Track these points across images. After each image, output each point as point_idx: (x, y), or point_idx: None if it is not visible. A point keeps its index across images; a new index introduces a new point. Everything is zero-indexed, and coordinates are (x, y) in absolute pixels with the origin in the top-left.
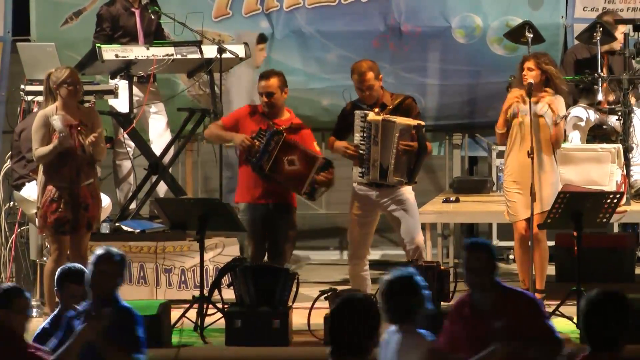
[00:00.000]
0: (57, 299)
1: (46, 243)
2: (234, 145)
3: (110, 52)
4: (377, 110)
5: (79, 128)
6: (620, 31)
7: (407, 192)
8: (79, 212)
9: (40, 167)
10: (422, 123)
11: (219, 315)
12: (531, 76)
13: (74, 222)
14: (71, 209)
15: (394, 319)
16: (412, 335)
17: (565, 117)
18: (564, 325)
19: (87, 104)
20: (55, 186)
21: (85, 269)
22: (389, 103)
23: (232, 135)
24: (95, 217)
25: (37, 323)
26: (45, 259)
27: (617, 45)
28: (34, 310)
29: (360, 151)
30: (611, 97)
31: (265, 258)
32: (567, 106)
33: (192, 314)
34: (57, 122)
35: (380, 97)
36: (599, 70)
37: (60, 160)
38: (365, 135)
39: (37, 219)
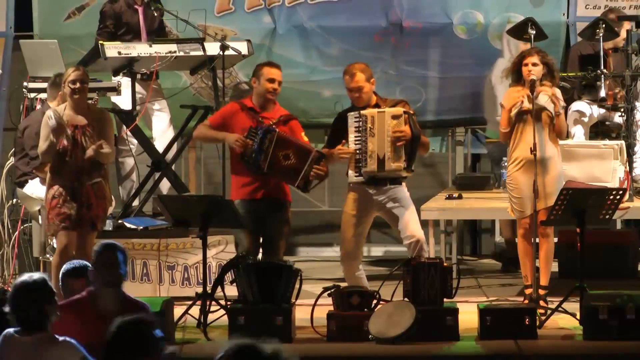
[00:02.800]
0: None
1: (49, 240)
2: (227, 145)
3: (112, 49)
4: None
5: (85, 129)
6: (625, 28)
7: (402, 190)
8: (81, 210)
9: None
10: (411, 111)
11: (222, 312)
12: (537, 71)
13: (76, 219)
14: (72, 206)
15: None
16: None
17: (565, 107)
18: (567, 321)
19: (89, 102)
20: (59, 185)
21: (87, 264)
22: (382, 105)
23: (223, 135)
24: (100, 216)
25: None
26: (48, 256)
27: (620, 43)
28: None
29: (357, 149)
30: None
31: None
32: (570, 102)
33: (195, 310)
34: (52, 120)
35: (371, 101)
36: (602, 67)
37: (60, 160)
38: (361, 129)
39: (44, 218)
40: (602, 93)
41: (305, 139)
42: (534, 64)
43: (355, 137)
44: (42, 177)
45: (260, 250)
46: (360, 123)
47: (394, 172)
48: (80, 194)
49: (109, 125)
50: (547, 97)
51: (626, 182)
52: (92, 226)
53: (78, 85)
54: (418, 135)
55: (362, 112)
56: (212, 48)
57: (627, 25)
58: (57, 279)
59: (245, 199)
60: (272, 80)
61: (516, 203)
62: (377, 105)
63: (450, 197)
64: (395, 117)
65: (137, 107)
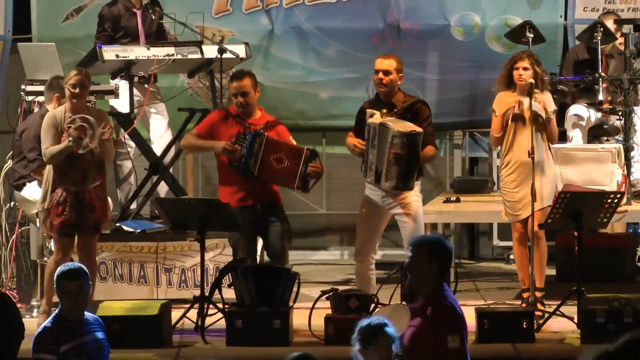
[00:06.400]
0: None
1: (47, 243)
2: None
3: (110, 52)
4: (384, 111)
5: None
6: (622, 32)
7: (412, 195)
8: (84, 214)
9: (50, 169)
10: (419, 130)
11: (220, 315)
12: (528, 75)
13: (80, 224)
14: (76, 212)
15: None
16: None
17: (555, 111)
18: (565, 325)
19: (88, 104)
20: (63, 189)
21: (82, 266)
22: (398, 104)
23: (211, 144)
24: (102, 219)
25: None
26: (45, 259)
27: (614, 48)
28: (35, 310)
29: (364, 152)
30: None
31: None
32: (566, 105)
33: (193, 314)
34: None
35: (392, 96)
36: (599, 71)
37: (67, 162)
38: (368, 136)
39: (42, 220)
40: (600, 96)
41: (294, 142)
42: (525, 68)
43: (365, 140)
44: (40, 180)
45: (265, 254)
46: (369, 129)
47: (388, 190)
48: (84, 198)
49: (109, 123)
50: (539, 102)
51: (624, 185)
52: (95, 229)
53: (77, 90)
54: (417, 158)
55: (369, 120)
56: (210, 51)
57: (624, 28)
58: (51, 284)
59: (237, 206)
60: (234, 95)
61: (509, 207)
62: (392, 106)
63: (448, 201)
64: (395, 136)
65: (135, 110)
